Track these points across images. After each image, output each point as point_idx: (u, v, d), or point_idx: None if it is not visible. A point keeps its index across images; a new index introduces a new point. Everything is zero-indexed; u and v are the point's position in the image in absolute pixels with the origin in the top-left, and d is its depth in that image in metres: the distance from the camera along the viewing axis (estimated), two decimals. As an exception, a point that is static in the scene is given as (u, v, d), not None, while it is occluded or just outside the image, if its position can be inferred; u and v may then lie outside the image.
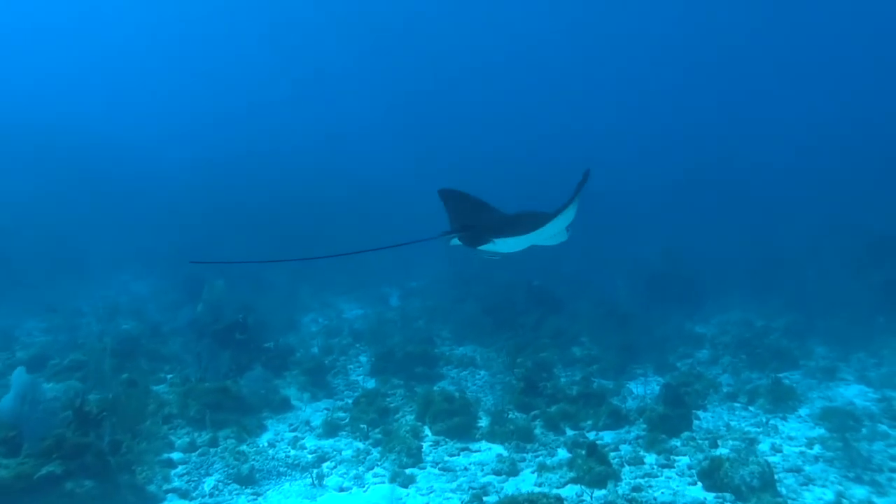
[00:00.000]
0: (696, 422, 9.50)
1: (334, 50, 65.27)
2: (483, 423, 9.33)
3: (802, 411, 10.01)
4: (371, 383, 11.63)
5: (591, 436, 9.01)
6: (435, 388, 11.42)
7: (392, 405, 10.14)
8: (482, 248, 6.17)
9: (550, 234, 6.08)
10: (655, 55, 61.62)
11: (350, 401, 10.38)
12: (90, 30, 63.48)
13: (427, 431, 9.10)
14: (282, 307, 17.82)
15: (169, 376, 11.01)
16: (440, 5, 58.21)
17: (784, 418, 9.68)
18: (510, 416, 9.55)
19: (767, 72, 60.69)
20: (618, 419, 9.27)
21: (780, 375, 12.06)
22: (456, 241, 6.30)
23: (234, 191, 34.09)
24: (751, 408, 10.22)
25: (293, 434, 8.99)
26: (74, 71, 64.90)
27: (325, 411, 9.93)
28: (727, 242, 24.95)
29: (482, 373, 12.47)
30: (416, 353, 12.22)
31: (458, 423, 8.93)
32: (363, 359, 13.21)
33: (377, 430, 8.89)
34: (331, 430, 8.96)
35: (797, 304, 17.31)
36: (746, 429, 9.19)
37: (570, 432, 9.15)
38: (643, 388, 11.34)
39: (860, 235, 19.60)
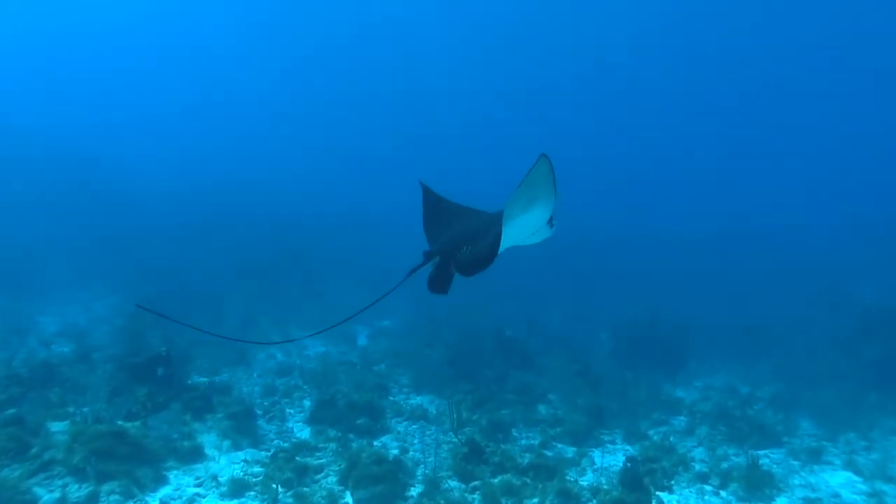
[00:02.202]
0: (658, 507, 8.35)
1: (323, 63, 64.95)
2: (414, 491, 8.18)
3: (780, 501, 8.85)
4: (306, 433, 10.48)
5: (535, 517, 7.86)
6: (375, 443, 10.30)
7: (317, 462, 8.98)
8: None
9: (518, 230, 4.96)
10: (646, 106, 61.32)
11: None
12: (71, 32, 63.01)
13: (348, 498, 7.94)
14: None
15: (81, 411, 9.83)
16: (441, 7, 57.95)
17: (759, 509, 8.53)
18: (447, 484, 8.42)
19: (759, 129, 60.48)
20: (567, 499, 8.10)
21: (761, 453, 11.01)
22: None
23: (215, 208, 33.16)
24: (723, 493, 9.06)
25: (195, 491, 7.82)
26: (58, 77, 64.22)
27: (243, 463, 8.78)
28: (716, 303, 23.93)
29: (432, 428, 11.30)
30: (361, 403, 11.07)
31: (382, 491, 7.78)
32: (307, 403, 12.05)
33: (289, 493, 7.74)
34: (237, 488, 7.80)
35: (784, 373, 16.25)
36: (714, 522, 8.04)
37: (511, 511, 8.00)
38: (603, 459, 10.20)
39: (852, 307, 18.59)
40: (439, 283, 5.15)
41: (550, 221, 5.18)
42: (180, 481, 8.03)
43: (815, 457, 10.84)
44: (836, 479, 9.98)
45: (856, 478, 10.06)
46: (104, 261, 25.29)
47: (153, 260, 25.00)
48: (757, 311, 22.56)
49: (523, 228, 5.00)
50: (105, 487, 7.22)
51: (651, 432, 12.13)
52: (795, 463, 10.63)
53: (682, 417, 13.25)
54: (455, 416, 10.32)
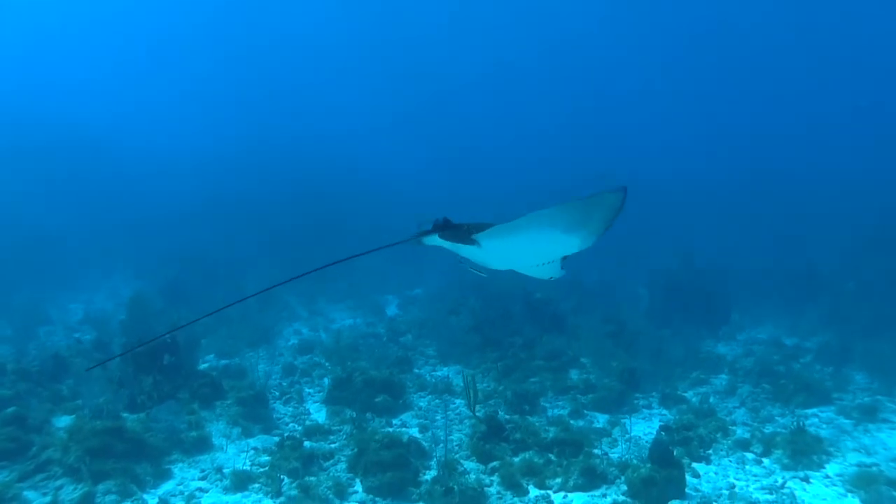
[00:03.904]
0: (693, 480, 7.69)
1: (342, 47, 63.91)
2: (428, 476, 7.68)
3: (831, 468, 8.10)
4: (322, 415, 10.08)
5: (558, 499, 7.28)
6: (394, 421, 9.86)
7: (329, 447, 8.56)
8: (467, 253, 4.75)
9: (539, 241, 4.38)
10: (685, 53, 58.76)
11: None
12: (84, 25, 62.89)
13: (358, 487, 7.49)
14: (258, 316, 16.46)
15: (88, 405, 9.58)
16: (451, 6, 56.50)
17: (806, 479, 7.78)
18: (464, 466, 7.90)
19: (807, 70, 57.52)
20: (593, 478, 7.50)
21: (809, 412, 10.24)
22: (435, 242, 4.82)
23: (238, 190, 32.98)
24: (766, 461, 8.34)
25: (198, 485, 7.46)
26: (71, 69, 64.46)
27: (252, 452, 8.41)
28: (760, 250, 22.84)
29: (457, 402, 10.80)
30: (379, 380, 10.59)
31: (391, 478, 7.29)
32: (327, 382, 11.64)
33: (294, 484, 7.31)
34: (241, 481, 7.40)
35: (834, 322, 15.27)
36: (755, 496, 7.33)
37: (533, 493, 7.43)
38: (637, 427, 9.60)
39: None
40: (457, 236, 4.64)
41: (564, 261, 4.75)
42: (184, 475, 7.69)
43: (869, 414, 9.99)
44: (895, 439, 9.17)
45: (918, 436, 9.25)
46: (130, 246, 25.38)
47: (177, 241, 24.96)
48: (804, 256, 21.44)
49: (546, 244, 4.46)
50: (100, 487, 6.89)
51: (689, 394, 11.43)
52: (847, 422, 9.81)
53: (723, 376, 12.50)
54: (472, 390, 9.74)
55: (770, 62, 57.42)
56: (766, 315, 17.32)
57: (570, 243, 4.32)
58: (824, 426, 9.65)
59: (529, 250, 4.55)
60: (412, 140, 58.31)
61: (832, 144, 49.29)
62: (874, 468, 8.02)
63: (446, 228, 4.70)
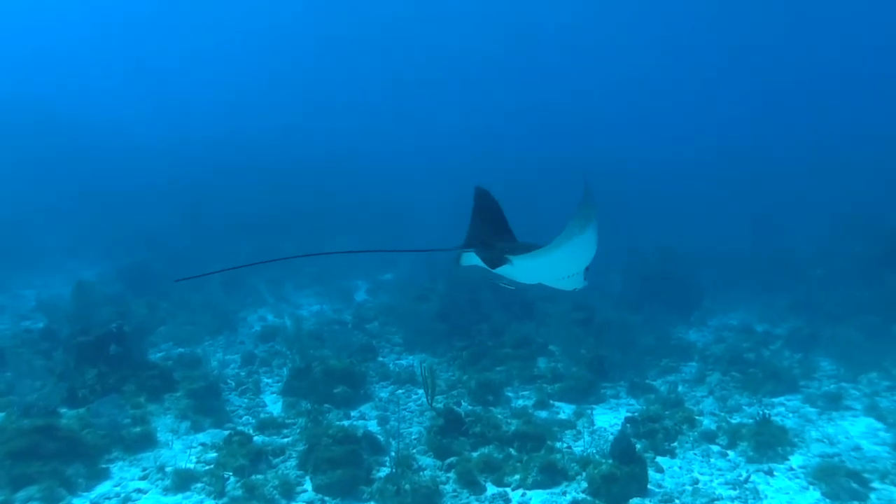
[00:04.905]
0: (656, 476, 7.44)
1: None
2: (382, 473, 7.35)
3: (795, 460, 7.90)
4: (278, 407, 9.70)
5: (516, 497, 6.99)
6: (353, 413, 9.53)
7: (282, 441, 8.20)
8: (499, 270, 5.26)
9: (567, 259, 4.96)
10: (662, 48, 58.50)
11: (245, 430, 8.53)
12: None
13: (308, 485, 7.14)
14: (223, 302, 16.01)
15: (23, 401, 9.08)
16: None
17: (770, 472, 7.57)
18: (420, 462, 7.59)
19: (777, 59, 57.55)
20: (553, 474, 7.21)
21: (776, 401, 10.10)
22: (472, 260, 5.50)
23: (213, 177, 32.24)
24: (731, 454, 8.13)
25: (136, 485, 7.06)
26: (36, 43, 62.47)
27: (201, 448, 8.02)
28: (734, 236, 22.74)
29: (420, 392, 10.47)
30: (339, 370, 10.21)
31: (341, 476, 6.94)
32: (286, 372, 11.24)
33: (240, 484, 6.95)
34: (182, 481, 7.01)
35: (803, 308, 15.18)
36: (718, 491, 7.10)
37: (491, 490, 7.13)
38: (603, 418, 9.36)
39: (877, 234, 17.24)
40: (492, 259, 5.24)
41: (587, 272, 5.26)
42: (123, 475, 7.27)
43: (834, 402, 9.86)
44: (857, 427, 9.01)
45: (878, 424, 9.08)
46: (97, 227, 24.65)
47: (145, 225, 24.32)
48: (777, 242, 21.39)
49: (571, 262, 5.05)
50: (20, 495, 6.41)
51: (658, 382, 11.23)
52: (812, 411, 9.67)
53: (693, 363, 12.32)
54: (430, 381, 9.42)
55: (746, 46, 57.39)
56: (738, 300, 17.21)
57: (589, 255, 4.88)
58: (790, 415, 9.50)
59: (557, 267, 5.14)
60: (390, 129, 57.58)
61: (805, 130, 49.43)
62: (836, 458, 7.87)
63: (484, 248, 5.30)
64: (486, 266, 5.32)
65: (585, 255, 4.88)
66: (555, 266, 5.09)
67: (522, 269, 5.19)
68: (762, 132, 49.71)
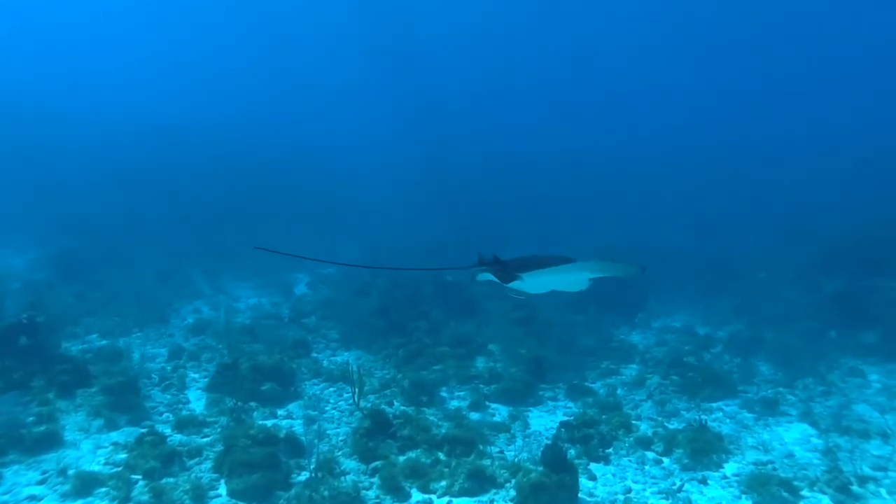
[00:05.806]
0: (588, 484, 7.22)
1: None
2: (302, 477, 6.96)
3: (730, 468, 7.77)
4: (202, 404, 9.21)
5: (441, 504, 6.70)
6: (280, 412, 9.11)
7: (201, 441, 7.74)
8: (511, 285, 6.10)
9: (573, 278, 6.09)
10: (604, 32, 58.68)
11: (163, 428, 8.05)
12: None
13: (223, 489, 6.71)
14: (156, 292, 15.37)
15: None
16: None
17: (704, 481, 7.42)
18: (343, 466, 7.23)
19: (736, 54, 58.57)
20: (482, 481, 6.93)
21: (714, 406, 10.02)
22: (486, 276, 6.28)
23: (149, 159, 31.16)
24: (665, 461, 7.97)
25: (31, 491, 6.52)
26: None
27: (112, 448, 7.50)
28: (680, 236, 22.87)
29: (350, 391, 10.08)
30: (268, 366, 9.77)
31: (258, 480, 6.53)
32: (212, 368, 10.73)
33: (147, 488, 6.48)
34: (84, 485, 6.50)
35: (745, 312, 15.26)
36: (650, 501, 6.91)
37: (415, 497, 6.81)
38: (538, 421, 9.14)
39: (818, 239, 17.50)
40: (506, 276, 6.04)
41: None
42: (18, 479, 6.71)
43: (770, 408, 9.81)
44: (791, 434, 8.96)
45: (811, 431, 9.04)
46: (29, 214, 23.57)
47: (81, 211, 23.30)
48: (722, 244, 21.56)
49: (576, 282, 6.19)
50: None
51: (597, 385, 11.08)
52: (749, 416, 9.60)
53: (633, 366, 12.22)
54: (357, 379, 9.06)
55: (705, 46, 58.18)
56: (682, 302, 17.22)
57: (594, 277, 6.00)
58: (727, 421, 9.43)
59: (562, 284, 6.24)
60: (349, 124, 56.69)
61: (751, 131, 50.33)
62: (769, 466, 7.78)
63: (496, 265, 6.03)
64: (498, 281, 6.07)
65: (592, 277, 5.94)
66: (562, 282, 6.12)
67: (532, 283, 6.04)
68: (718, 133, 50.38)
